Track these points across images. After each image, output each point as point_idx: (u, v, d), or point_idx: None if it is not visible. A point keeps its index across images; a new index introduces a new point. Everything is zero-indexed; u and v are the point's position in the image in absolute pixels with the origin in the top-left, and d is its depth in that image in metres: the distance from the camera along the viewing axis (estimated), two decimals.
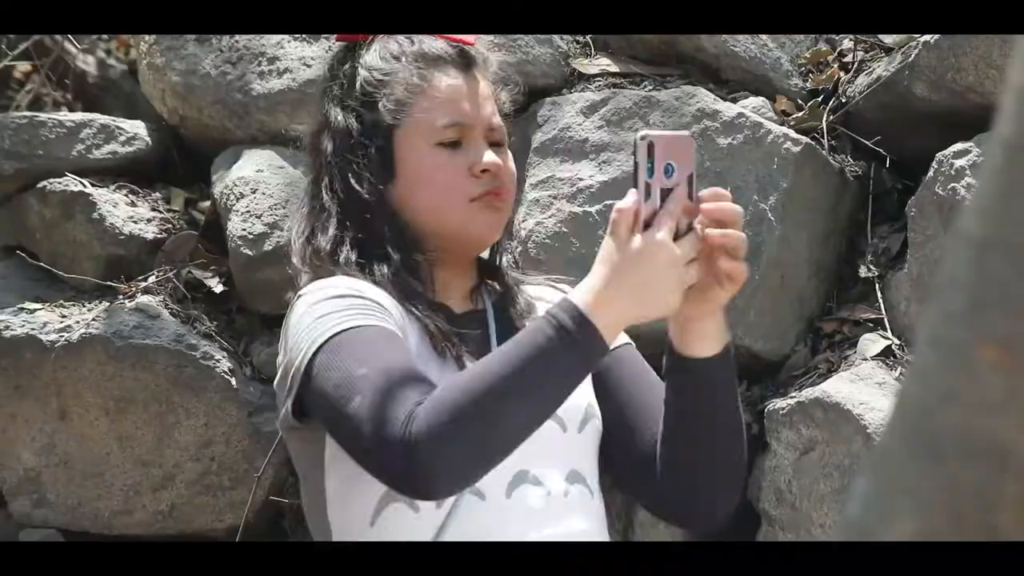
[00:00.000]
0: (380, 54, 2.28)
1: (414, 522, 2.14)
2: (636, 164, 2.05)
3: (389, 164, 2.25)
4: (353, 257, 2.23)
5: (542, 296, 2.35)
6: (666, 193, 2.05)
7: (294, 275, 2.29)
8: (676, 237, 2.04)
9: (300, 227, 2.29)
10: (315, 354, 2.09)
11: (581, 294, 2.02)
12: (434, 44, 2.27)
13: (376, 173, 2.24)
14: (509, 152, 2.30)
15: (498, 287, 2.32)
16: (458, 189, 2.23)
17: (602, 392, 2.28)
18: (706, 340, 2.13)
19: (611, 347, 2.07)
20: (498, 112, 2.30)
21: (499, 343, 2.20)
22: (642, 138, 2.04)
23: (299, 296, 2.21)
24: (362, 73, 2.27)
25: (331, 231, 2.25)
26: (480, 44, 2.31)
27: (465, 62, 2.27)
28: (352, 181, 2.25)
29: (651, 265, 2.00)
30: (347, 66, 2.29)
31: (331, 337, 2.08)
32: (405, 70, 2.25)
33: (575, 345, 2.00)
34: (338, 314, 2.10)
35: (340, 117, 2.27)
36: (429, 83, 2.25)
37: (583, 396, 2.25)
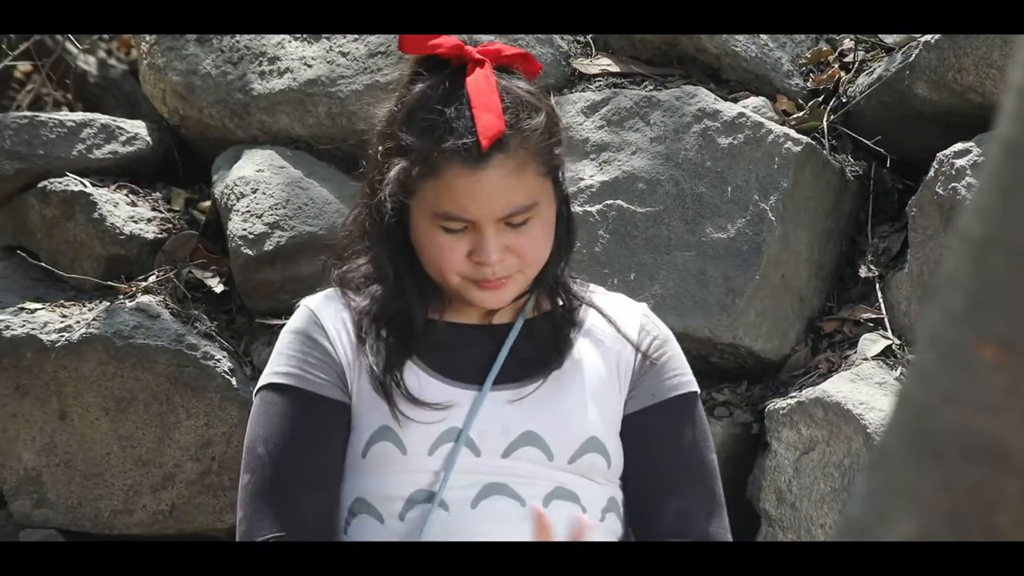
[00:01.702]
0: (413, 123, 2.20)
1: (380, 531, 2.18)
2: None
3: (405, 215, 2.23)
4: (349, 274, 2.27)
5: (592, 325, 2.32)
6: None
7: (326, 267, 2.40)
8: None
9: (347, 220, 2.36)
10: (258, 392, 2.30)
11: None
12: (456, 129, 2.17)
13: (392, 217, 2.23)
14: (541, 220, 2.22)
15: (546, 303, 2.30)
16: (452, 267, 2.20)
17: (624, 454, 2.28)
18: None
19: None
20: (539, 183, 2.21)
21: (509, 361, 2.22)
22: None
23: (296, 305, 2.34)
24: (396, 132, 2.21)
25: (348, 242, 2.32)
26: (517, 114, 2.19)
27: (481, 157, 2.17)
28: (374, 215, 2.24)
29: None
30: (395, 116, 2.23)
31: (262, 387, 2.28)
32: (420, 151, 2.18)
33: None
34: (281, 356, 2.28)
35: (378, 152, 2.25)
36: (436, 171, 2.18)
37: (587, 427, 2.23)
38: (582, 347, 2.28)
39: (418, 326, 2.24)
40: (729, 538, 2.28)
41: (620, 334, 2.29)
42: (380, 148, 2.24)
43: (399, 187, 2.19)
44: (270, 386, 2.27)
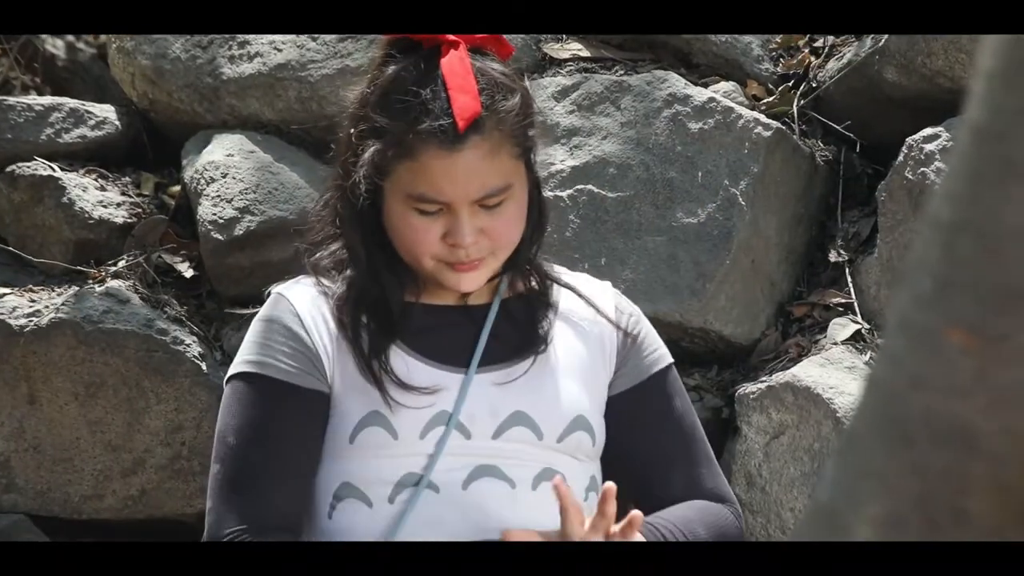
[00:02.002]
0: (388, 104, 2.21)
1: (368, 515, 2.17)
2: None
3: (378, 198, 2.23)
4: (322, 260, 2.27)
5: (570, 308, 2.32)
6: None
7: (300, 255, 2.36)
8: None
9: (318, 205, 2.37)
10: (228, 380, 2.29)
11: None
12: (432, 111, 2.17)
13: (365, 198, 2.23)
14: (514, 203, 2.23)
15: (520, 284, 2.31)
16: (427, 250, 2.21)
17: (607, 433, 2.30)
18: None
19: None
20: (513, 164, 2.23)
21: (491, 342, 2.23)
22: None
23: (266, 293, 2.32)
24: (369, 113, 2.22)
25: (320, 227, 2.32)
26: (493, 95, 2.21)
27: (457, 138, 2.18)
28: (347, 196, 2.25)
29: None
30: (368, 99, 2.23)
31: (233, 376, 2.26)
32: (396, 132, 2.19)
33: None
34: (251, 345, 2.26)
35: (350, 135, 2.25)
36: (412, 153, 2.18)
37: (574, 406, 2.24)
38: (561, 327, 2.30)
39: (396, 309, 2.24)
40: (730, 491, 2.38)
41: (599, 313, 2.32)
42: (353, 131, 2.24)
43: (373, 169, 2.19)
44: (240, 375, 2.25)
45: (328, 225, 2.30)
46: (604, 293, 2.35)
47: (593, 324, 2.32)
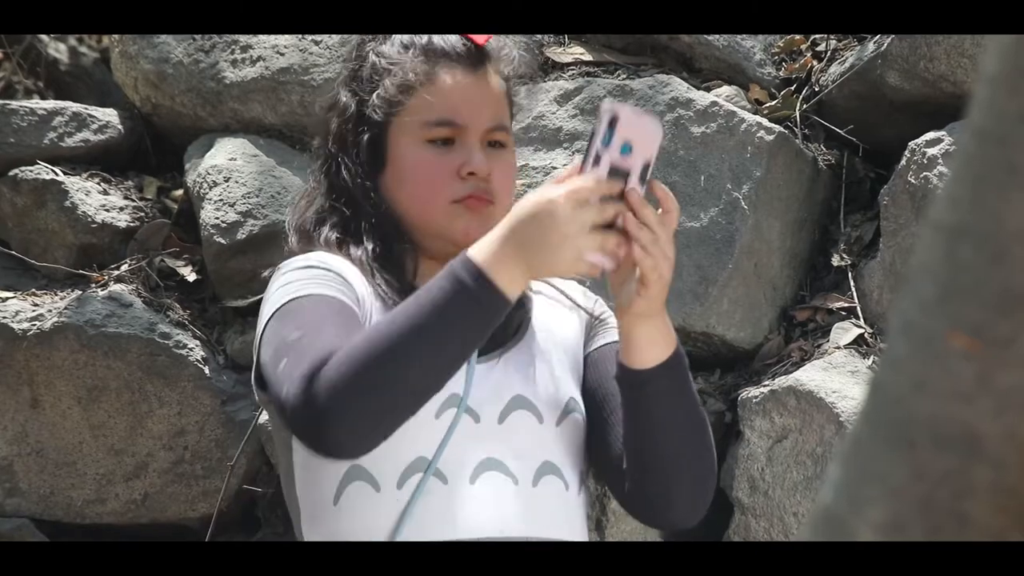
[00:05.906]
0: (394, 43, 2.28)
1: (375, 501, 2.16)
2: (594, 131, 2.05)
3: (381, 153, 2.26)
4: (332, 236, 2.26)
5: (541, 290, 2.35)
6: (615, 170, 2.04)
7: (287, 253, 2.31)
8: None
9: (298, 205, 2.35)
10: (267, 324, 2.14)
11: (479, 247, 2.04)
12: (446, 39, 2.26)
13: (368, 160, 2.26)
14: (512, 153, 2.29)
15: None
16: (441, 189, 2.22)
17: (584, 388, 2.29)
18: (639, 351, 2.15)
19: (513, 299, 2.06)
20: (508, 112, 2.29)
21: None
22: (609, 107, 2.05)
23: (275, 270, 2.26)
24: (372, 59, 2.28)
25: (318, 212, 2.31)
26: (500, 39, 2.30)
27: (475, 60, 2.25)
28: (344, 167, 2.27)
29: (541, 222, 2.02)
30: (364, 51, 2.30)
31: (281, 306, 2.13)
32: (410, 61, 2.24)
33: (472, 300, 2.02)
34: (297, 283, 2.16)
35: (344, 101, 2.29)
36: (430, 77, 2.24)
37: (566, 389, 2.26)
38: (546, 317, 2.32)
39: (409, 267, 2.24)
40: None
41: (572, 302, 2.36)
42: (349, 86, 2.28)
43: (385, 103, 2.23)
44: (279, 308, 2.15)
45: (326, 212, 2.29)
46: (571, 283, 2.39)
47: (571, 311, 2.35)
